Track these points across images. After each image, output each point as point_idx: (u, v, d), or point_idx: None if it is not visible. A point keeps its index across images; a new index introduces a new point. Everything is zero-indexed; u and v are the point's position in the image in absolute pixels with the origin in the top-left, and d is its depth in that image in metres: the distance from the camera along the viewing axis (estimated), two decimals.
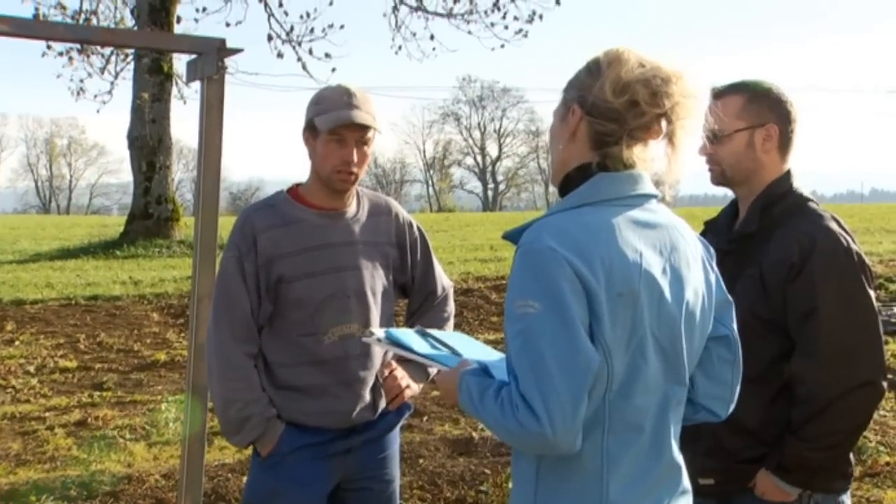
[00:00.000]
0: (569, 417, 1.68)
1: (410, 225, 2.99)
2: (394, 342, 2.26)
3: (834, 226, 2.49)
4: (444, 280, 3.12)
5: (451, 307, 3.12)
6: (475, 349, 2.24)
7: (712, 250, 2.04)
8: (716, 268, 2.02)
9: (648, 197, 1.89)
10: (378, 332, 2.32)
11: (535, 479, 1.85)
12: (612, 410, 1.79)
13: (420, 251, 3.01)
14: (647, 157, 1.89)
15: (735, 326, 2.04)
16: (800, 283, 2.42)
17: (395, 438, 3.01)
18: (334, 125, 2.70)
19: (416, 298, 3.06)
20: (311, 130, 2.78)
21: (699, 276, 1.94)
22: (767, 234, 2.53)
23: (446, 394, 1.98)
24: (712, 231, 2.76)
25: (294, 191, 2.87)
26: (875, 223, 21.33)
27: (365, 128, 2.73)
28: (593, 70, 1.89)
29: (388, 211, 2.95)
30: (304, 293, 2.75)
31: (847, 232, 2.51)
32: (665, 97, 1.82)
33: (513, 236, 1.88)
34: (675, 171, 1.90)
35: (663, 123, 1.85)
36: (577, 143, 1.90)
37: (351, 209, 2.87)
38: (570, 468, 1.81)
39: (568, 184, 1.90)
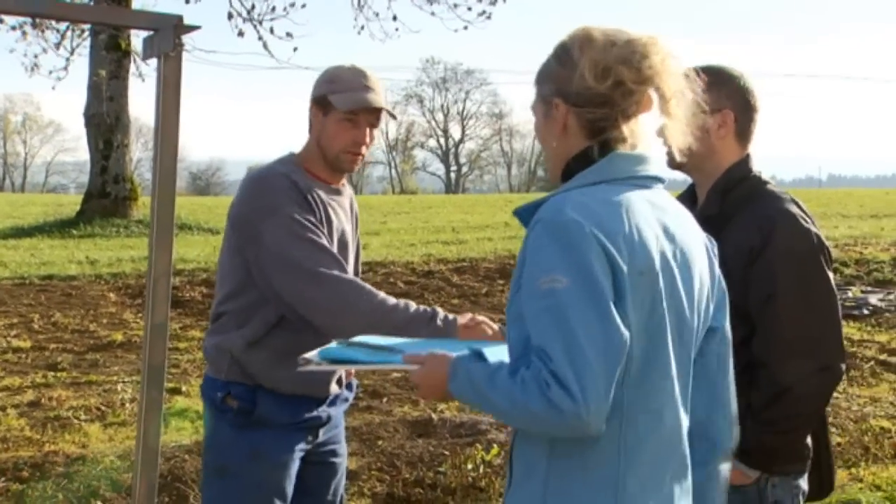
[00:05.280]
0: (602, 396, 1.59)
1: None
2: (332, 360, 2.08)
3: (793, 208, 2.49)
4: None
5: None
6: (420, 343, 2.15)
7: (714, 242, 2.01)
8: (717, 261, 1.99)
9: (657, 179, 1.85)
10: (310, 355, 2.09)
11: (546, 469, 1.75)
12: (630, 397, 1.71)
13: (359, 233, 3.04)
14: (646, 131, 1.84)
15: (727, 323, 2.00)
16: (759, 268, 2.42)
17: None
18: (353, 107, 2.68)
19: None
20: (322, 107, 2.73)
21: (704, 265, 1.89)
22: (728, 219, 2.53)
23: (430, 388, 1.84)
24: None
25: (301, 162, 2.81)
26: (832, 208, 21.66)
27: (378, 111, 2.73)
28: (564, 58, 1.82)
29: (350, 191, 2.97)
30: None
31: (807, 214, 2.51)
32: (648, 69, 1.76)
33: (524, 213, 1.82)
34: (678, 136, 1.85)
35: (653, 93, 1.80)
36: (570, 135, 1.84)
37: (346, 187, 2.90)
38: (584, 457, 1.72)
39: (569, 172, 1.84)
